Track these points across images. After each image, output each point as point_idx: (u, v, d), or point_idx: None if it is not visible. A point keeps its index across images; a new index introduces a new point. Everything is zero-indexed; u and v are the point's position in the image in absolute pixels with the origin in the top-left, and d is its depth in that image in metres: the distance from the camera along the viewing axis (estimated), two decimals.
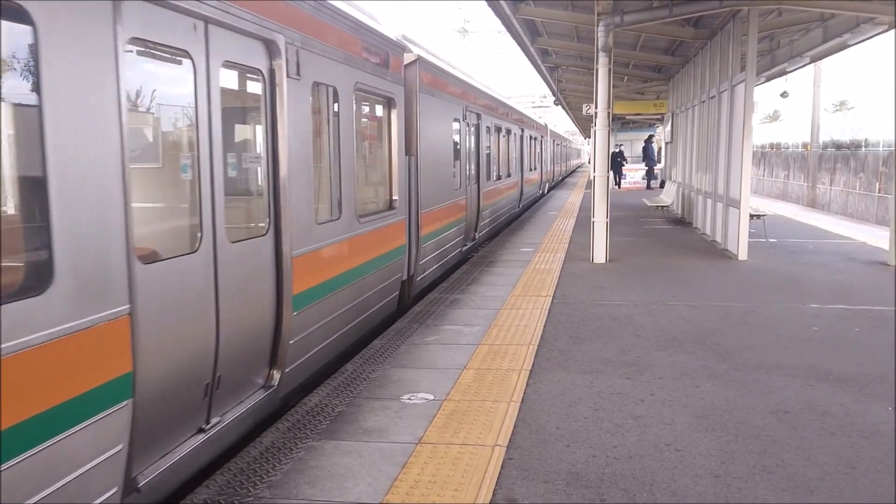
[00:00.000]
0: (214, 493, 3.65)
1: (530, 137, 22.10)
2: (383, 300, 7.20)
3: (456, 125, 10.57)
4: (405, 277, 8.07)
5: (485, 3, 11.39)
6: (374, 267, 6.70)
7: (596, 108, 10.84)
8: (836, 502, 3.52)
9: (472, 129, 11.98)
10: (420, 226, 8.39)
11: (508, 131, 16.69)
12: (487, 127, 13.33)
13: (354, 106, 6.24)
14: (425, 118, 8.45)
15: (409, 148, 7.99)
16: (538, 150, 25.15)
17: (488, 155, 13.91)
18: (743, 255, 10.77)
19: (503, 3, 11.73)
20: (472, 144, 12.00)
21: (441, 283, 9.33)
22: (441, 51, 11.47)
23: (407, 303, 8.25)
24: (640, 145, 31.12)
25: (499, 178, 15.33)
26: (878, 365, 5.69)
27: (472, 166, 12.10)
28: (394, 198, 7.48)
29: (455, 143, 10.63)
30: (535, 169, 24.19)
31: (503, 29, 14.54)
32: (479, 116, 12.31)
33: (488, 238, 14.52)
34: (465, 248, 11.83)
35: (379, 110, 7.58)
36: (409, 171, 7.99)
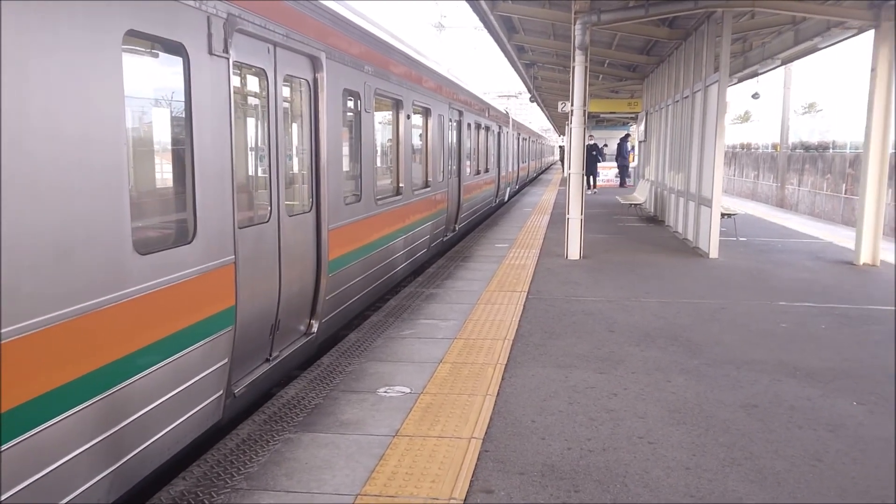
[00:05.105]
0: (192, 484, 3.65)
1: (477, 126, 15.97)
2: None
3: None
4: None
5: None
6: None
7: (572, 105, 10.93)
8: (818, 502, 3.63)
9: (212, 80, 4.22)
10: None
11: (426, 110, 10.63)
12: (302, 81, 5.85)
13: None
14: None
15: None
16: (492, 144, 19.02)
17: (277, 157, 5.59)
18: (714, 252, 10.95)
19: None
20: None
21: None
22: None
23: None
24: (614, 143, 31.41)
25: (356, 200, 7.23)
26: (844, 360, 5.84)
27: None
28: None
29: None
30: (487, 171, 17.97)
31: (480, 25, 14.56)
32: (273, 49, 5.14)
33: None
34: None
35: None
36: None
